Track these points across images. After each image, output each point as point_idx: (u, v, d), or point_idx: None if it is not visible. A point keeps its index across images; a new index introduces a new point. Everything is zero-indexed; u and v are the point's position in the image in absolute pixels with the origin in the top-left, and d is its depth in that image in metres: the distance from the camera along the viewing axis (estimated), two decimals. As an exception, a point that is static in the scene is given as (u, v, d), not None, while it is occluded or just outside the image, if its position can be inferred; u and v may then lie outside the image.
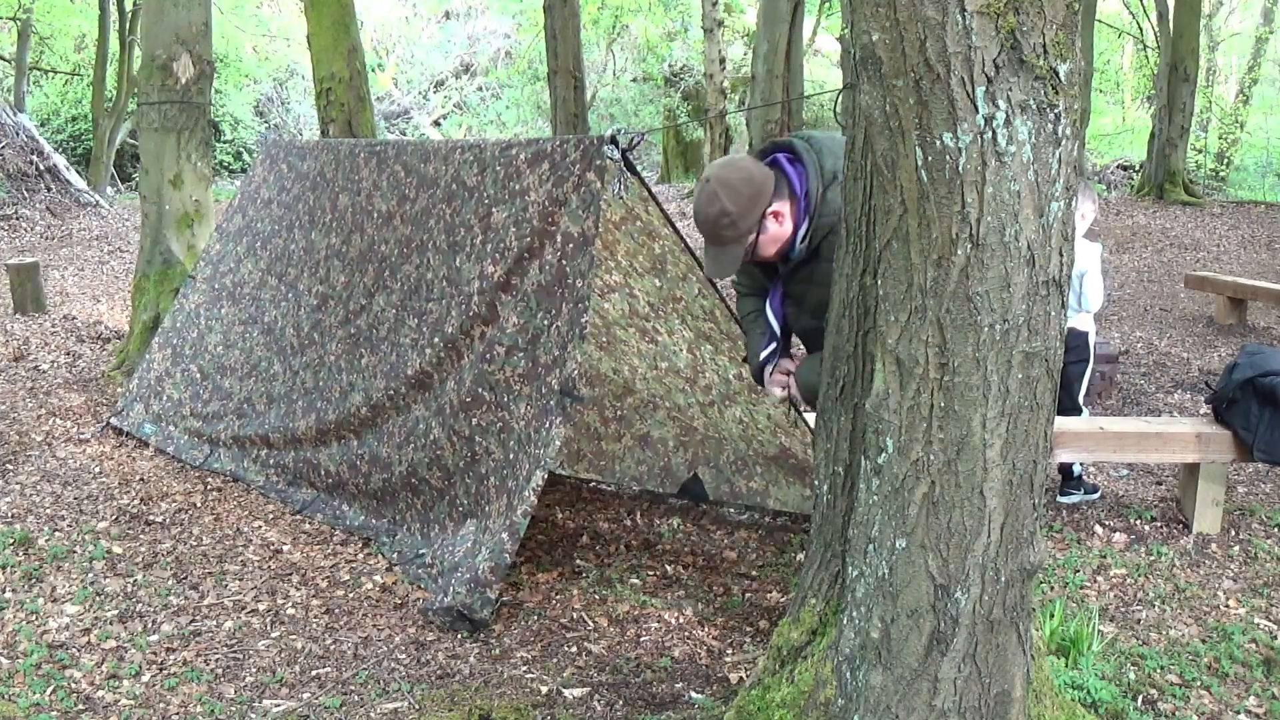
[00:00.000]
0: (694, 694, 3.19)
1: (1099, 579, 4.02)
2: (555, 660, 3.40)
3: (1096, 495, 4.80)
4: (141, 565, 3.98)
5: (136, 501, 4.58)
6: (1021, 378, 2.14)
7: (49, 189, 14.02)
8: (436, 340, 3.83)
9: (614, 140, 3.09)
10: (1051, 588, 3.92)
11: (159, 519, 4.43)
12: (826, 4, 19.66)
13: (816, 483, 2.78)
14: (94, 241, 12.47)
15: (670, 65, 21.93)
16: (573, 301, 3.34)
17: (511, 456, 3.59)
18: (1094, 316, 4.75)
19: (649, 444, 4.76)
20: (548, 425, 3.43)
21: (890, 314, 2.20)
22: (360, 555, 4.14)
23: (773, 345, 3.10)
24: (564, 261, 3.37)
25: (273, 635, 3.50)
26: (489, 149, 3.71)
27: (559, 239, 3.35)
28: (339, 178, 4.60)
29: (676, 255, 3.63)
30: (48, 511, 4.44)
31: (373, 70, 21.62)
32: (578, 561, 4.18)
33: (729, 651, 3.50)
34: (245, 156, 20.64)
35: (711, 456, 4.64)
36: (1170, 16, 16.01)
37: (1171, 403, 6.43)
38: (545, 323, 3.47)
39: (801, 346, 3.18)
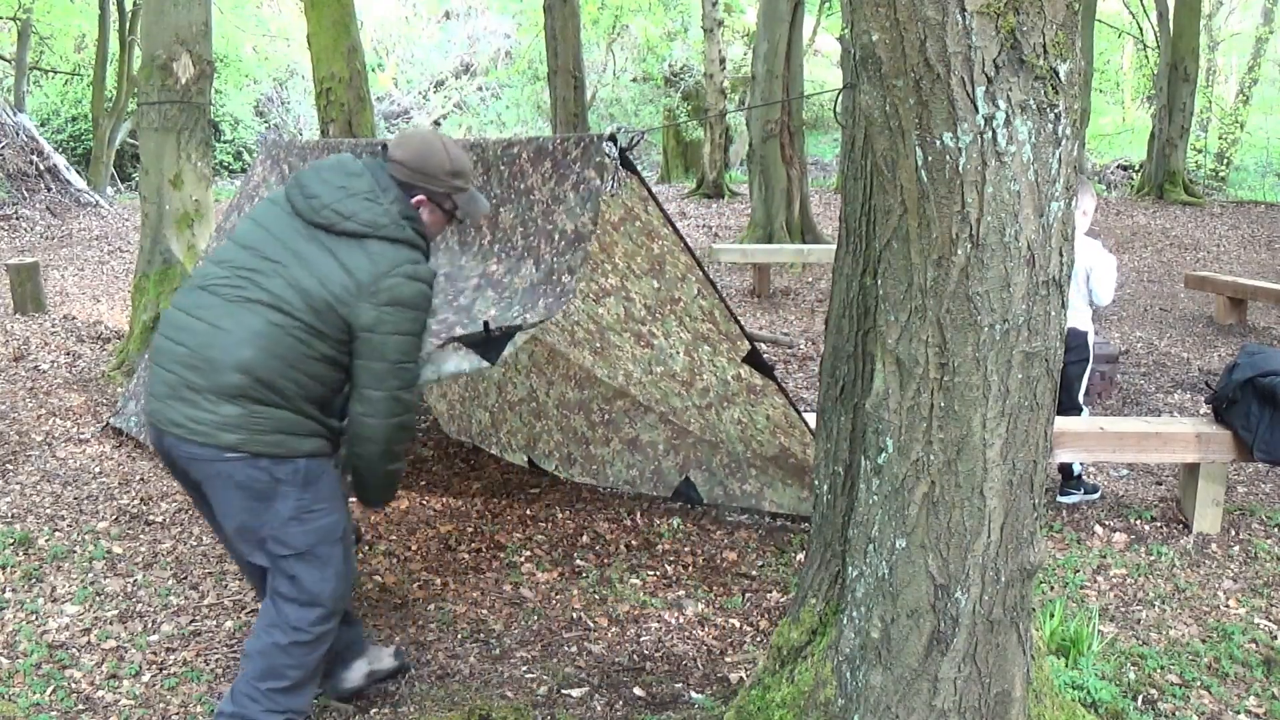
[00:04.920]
0: (694, 694, 3.19)
1: (1099, 579, 4.03)
2: (555, 660, 3.40)
3: (1096, 495, 4.80)
4: (141, 565, 3.98)
5: (136, 501, 4.58)
6: (1021, 378, 2.14)
7: (49, 189, 14.01)
8: None
9: (613, 139, 3.08)
10: (1051, 588, 3.92)
11: (159, 519, 4.43)
12: (826, 4, 19.67)
13: (816, 483, 2.78)
14: (94, 241, 12.46)
15: (670, 65, 21.93)
16: (554, 296, 3.22)
17: None
18: (1094, 316, 4.76)
19: (638, 447, 4.76)
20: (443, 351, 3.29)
21: (890, 314, 2.20)
22: (360, 555, 4.14)
23: None
24: (554, 258, 3.30)
25: (273, 635, 3.50)
26: (491, 148, 3.70)
27: (555, 237, 3.32)
28: None
29: (676, 255, 3.62)
30: (48, 511, 4.44)
31: (373, 70, 21.63)
32: (578, 561, 4.18)
33: (729, 651, 3.50)
34: (245, 156, 20.64)
35: (704, 460, 4.64)
36: (1170, 16, 16.03)
37: (1171, 403, 6.43)
38: (514, 314, 3.34)
39: None
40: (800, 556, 4.18)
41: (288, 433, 2.53)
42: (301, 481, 2.56)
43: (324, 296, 2.49)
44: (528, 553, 4.24)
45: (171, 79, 6.47)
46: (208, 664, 3.30)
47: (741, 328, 3.82)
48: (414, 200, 2.67)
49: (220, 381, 2.48)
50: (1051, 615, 3.48)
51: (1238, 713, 3.13)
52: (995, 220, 2.02)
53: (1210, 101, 21.14)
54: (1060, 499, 4.75)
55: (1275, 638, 3.58)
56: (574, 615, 3.73)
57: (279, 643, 2.66)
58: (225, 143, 20.72)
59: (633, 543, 4.37)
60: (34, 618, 3.54)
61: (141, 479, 4.86)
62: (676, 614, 3.75)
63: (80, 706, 3.05)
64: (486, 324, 3.11)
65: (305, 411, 2.55)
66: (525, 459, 5.11)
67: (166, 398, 2.54)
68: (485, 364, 3.11)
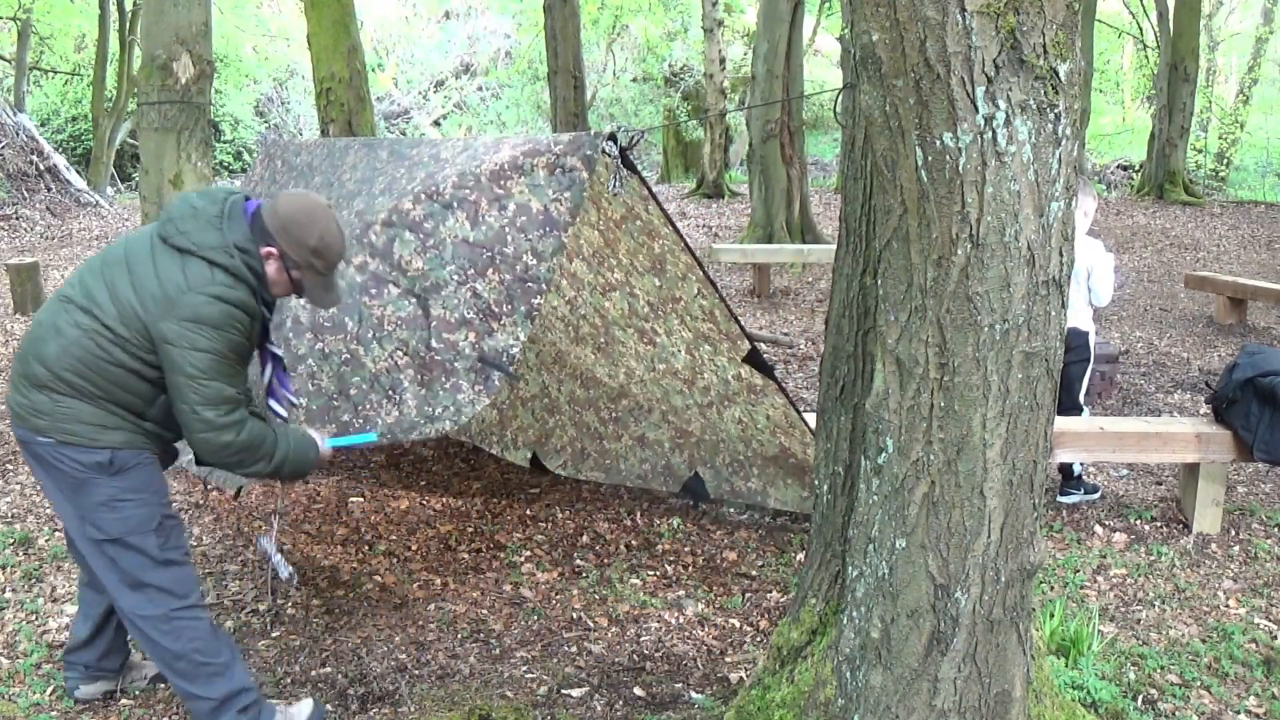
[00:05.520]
0: (694, 694, 3.19)
1: (1099, 579, 4.03)
2: (555, 660, 3.41)
3: (1096, 495, 4.80)
4: (141, 565, 3.98)
5: (136, 501, 4.58)
6: (1021, 378, 2.14)
7: (49, 189, 14.01)
8: None
9: (613, 138, 3.07)
10: (1051, 588, 3.92)
11: (159, 519, 4.43)
12: (826, 4, 19.67)
13: (816, 483, 2.78)
14: (94, 241, 12.46)
15: (670, 65, 21.93)
16: (518, 277, 3.16)
17: (354, 393, 3.31)
18: (1094, 316, 4.76)
19: (647, 444, 4.76)
20: (450, 385, 3.20)
21: (890, 314, 2.20)
22: (360, 555, 4.14)
23: None
24: (509, 230, 3.17)
25: (273, 635, 3.50)
26: (483, 138, 3.66)
27: (510, 207, 3.16)
28: (324, 165, 4.55)
29: (676, 255, 3.63)
30: (48, 511, 4.44)
31: (373, 70, 21.61)
32: (578, 561, 4.18)
33: (729, 651, 3.50)
34: (245, 156, 20.64)
35: (708, 458, 4.64)
36: (1170, 16, 16.03)
37: (1171, 403, 6.43)
38: (449, 274, 3.21)
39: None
40: (800, 556, 4.18)
41: (89, 424, 2.61)
42: (110, 471, 2.62)
43: (132, 303, 2.56)
44: (528, 553, 4.24)
45: (171, 79, 6.47)
46: (208, 664, 3.30)
47: (742, 328, 3.82)
48: (265, 249, 2.67)
49: (27, 370, 2.64)
50: (1051, 615, 3.48)
51: (1238, 713, 3.13)
52: (995, 220, 2.02)
53: (1210, 101, 21.13)
54: (1060, 499, 4.75)
55: (1275, 638, 3.58)
56: (574, 615, 3.73)
57: (146, 643, 2.74)
58: (225, 143, 20.71)
59: (633, 543, 4.37)
60: (34, 618, 3.54)
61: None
62: (676, 614, 3.75)
63: (80, 706, 3.05)
64: (480, 357, 3.09)
65: (109, 409, 2.62)
66: (528, 456, 5.11)
67: (11, 381, 2.72)
68: (486, 401, 3.12)
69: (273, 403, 2.91)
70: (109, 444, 2.61)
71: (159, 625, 2.70)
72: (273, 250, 2.66)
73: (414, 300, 3.22)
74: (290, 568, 3.14)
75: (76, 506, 2.65)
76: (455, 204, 3.24)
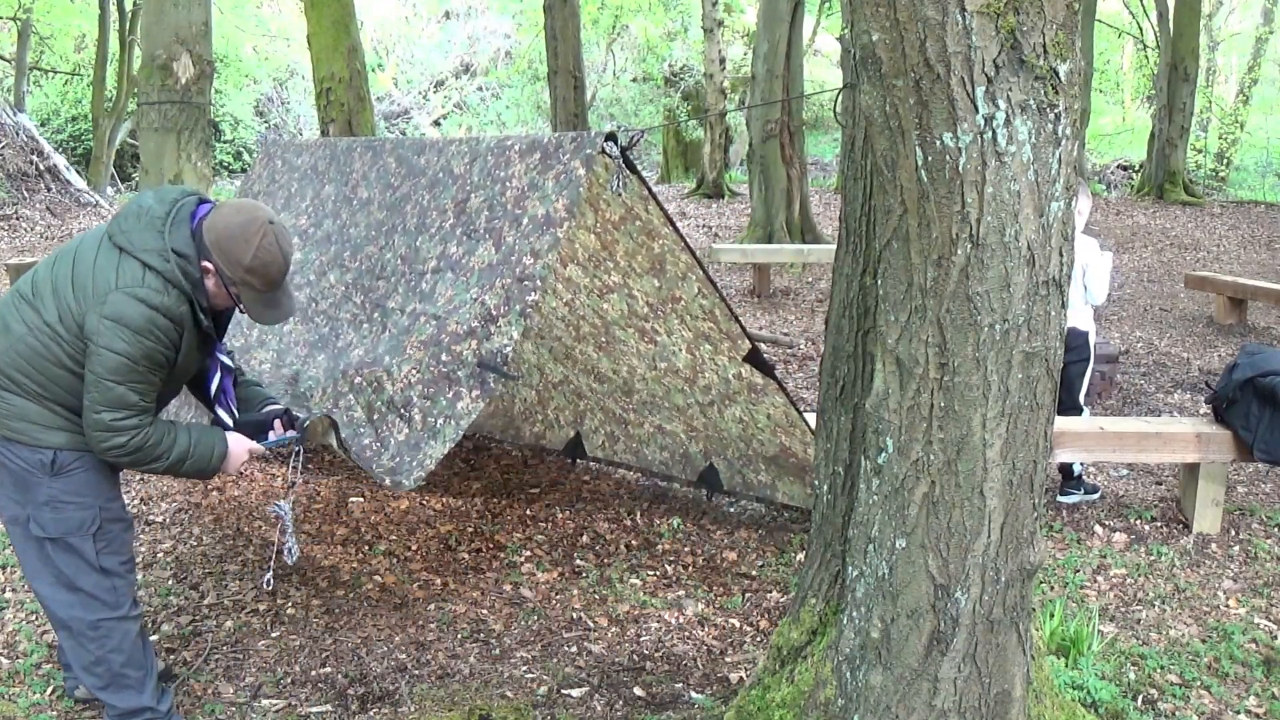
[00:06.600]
0: (694, 694, 3.19)
1: (1099, 579, 4.03)
2: (555, 660, 3.41)
3: (1096, 495, 4.80)
4: (141, 565, 3.98)
5: (136, 501, 4.59)
6: (1021, 378, 2.14)
7: (49, 189, 14.01)
8: (376, 315, 3.65)
9: (613, 138, 3.07)
10: (1051, 588, 3.92)
11: (159, 519, 4.43)
12: (826, 4, 19.67)
13: (816, 483, 2.78)
14: (94, 241, 12.47)
15: (670, 65, 21.93)
16: (517, 278, 3.17)
17: (375, 418, 3.32)
18: (1094, 316, 4.76)
19: (666, 433, 4.79)
20: (451, 394, 3.21)
21: (890, 314, 2.20)
22: (360, 555, 4.14)
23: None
24: (518, 240, 3.22)
25: (273, 635, 3.50)
26: (485, 141, 3.68)
27: (525, 222, 3.23)
28: (330, 170, 4.56)
29: (676, 255, 3.63)
30: (48, 511, 4.44)
31: (373, 70, 21.61)
32: (578, 561, 4.18)
33: (729, 651, 3.50)
34: (245, 156, 20.65)
35: (720, 450, 4.66)
36: (1170, 16, 16.04)
37: (1171, 403, 6.43)
38: (471, 296, 3.26)
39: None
40: (800, 556, 4.18)
41: (31, 422, 2.61)
42: (51, 471, 2.63)
43: (68, 299, 2.57)
44: (528, 553, 4.24)
45: (171, 79, 6.48)
46: (208, 664, 3.30)
47: (743, 327, 3.82)
48: (203, 263, 2.63)
49: None
50: (1051, 615, 3.48)
51: (1238, 713, 3.13)
52: (995, 220, 2.02)
53: (1210, 101, 21.13)
54: (1060, 499, 4.75)
55: (1275, 638, 3.58)
56: (574, 615, 3.73)
57: (72, 642, 2.75)
58: (225, 143, 20.72)
59: (633, 543, 4.37)
60: (34, 618, 3.54)
61: (141, 479, 4.86)
62: (676, 614, 3.75)
63: (80, 706, 3.05)
64: (480, 362, 3.11)
65: (51, 409, 2.62)
66: (571, 435, 5.12)
67: None
68: (482, 405, 3.14)
69: (219, 410, 2.92)
70: (51, 444, 2.61)
71: (87, 630, 2.71)
72: (209, 266, 2.64)
73: (435, 321, 3.27)
74: (297, 553, 3.12)
75: (21, 504, 2.65)
76: (487, 234, 3.34)
